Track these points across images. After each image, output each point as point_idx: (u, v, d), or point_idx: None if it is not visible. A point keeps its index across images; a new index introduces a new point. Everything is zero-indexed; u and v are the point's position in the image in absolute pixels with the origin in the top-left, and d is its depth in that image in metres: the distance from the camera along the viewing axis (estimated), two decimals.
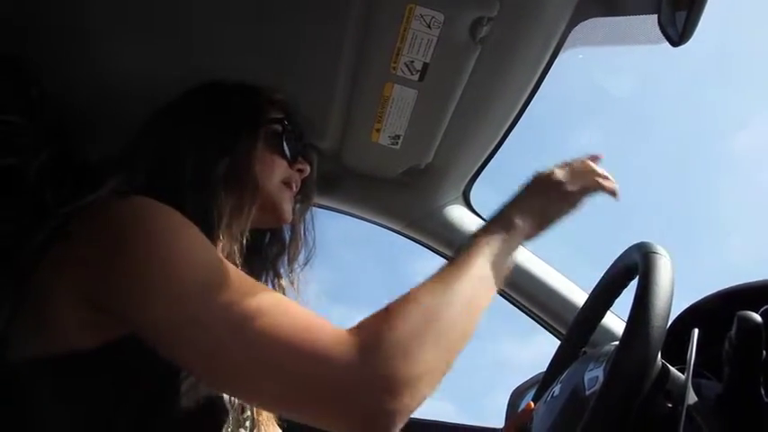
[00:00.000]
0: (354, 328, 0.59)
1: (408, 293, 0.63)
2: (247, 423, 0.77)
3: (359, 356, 0.57)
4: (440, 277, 0.65)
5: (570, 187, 0.77)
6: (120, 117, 0.87)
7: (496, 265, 0.69)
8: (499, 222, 0.73)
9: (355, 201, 1.26)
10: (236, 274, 0.63)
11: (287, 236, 0.96)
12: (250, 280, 0.63)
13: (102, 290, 0.62)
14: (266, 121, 0.86)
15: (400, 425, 0.58)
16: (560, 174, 0.78)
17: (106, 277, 0.61)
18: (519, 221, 0.73)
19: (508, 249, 0.72)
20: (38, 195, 0.80)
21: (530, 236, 0.75)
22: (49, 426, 0.62)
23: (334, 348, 0.57)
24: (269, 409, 0.62)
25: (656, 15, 0.73)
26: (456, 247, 1.27)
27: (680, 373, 0.60)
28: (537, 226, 0.76)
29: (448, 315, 0.62)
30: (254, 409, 0.80)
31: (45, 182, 0.82)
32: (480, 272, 0.67)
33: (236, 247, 0.78)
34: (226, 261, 0.64)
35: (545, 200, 0.76)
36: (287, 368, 0.57)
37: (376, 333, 0.58)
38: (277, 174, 0.86)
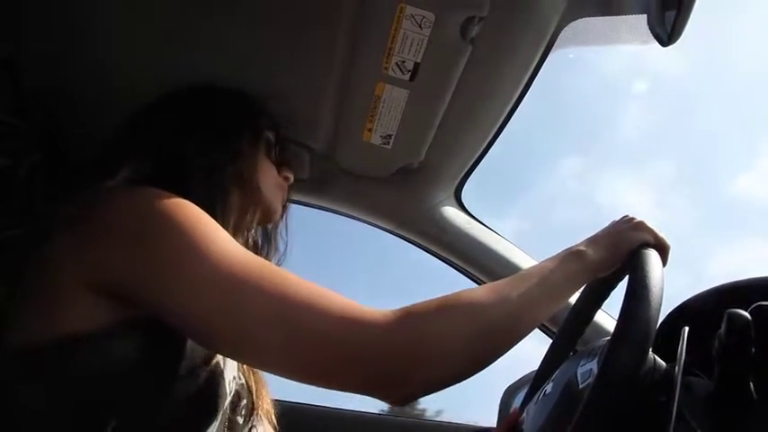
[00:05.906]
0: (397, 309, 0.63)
1: (458, 292, 0.66)
2: (243, 411, 0.77)
3: (392, 326, 0.61)
4: (493, 285, 0.69)
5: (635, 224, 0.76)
6: (115, 117, 0.86)
7: (555, 286, 0.70)
8: (567, 251, 0.75)
9: (347, 200, 1.26)
10: (260, 259, 0.66)
11: (261, 240, 1.00)
12: (274, 266, 0.67)
13: (118, 276, 0.62)
14: (264, 128, 0.91)
15: (417, 397, 0.64)
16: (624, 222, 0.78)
17: (126, 264, 0.62)
18: (586, 250, 0.73)
19: (573, 273, 0.72)
20: (30, 195, 0.80)
21: (601, 266, 0.74)
22: (47, 411, 0.61)
23: (367, 315, 0.61)
24: (296, 377, 0.64)
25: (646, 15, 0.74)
26: (450, 246, 1.29)
27: (670, 370, 0.61)
28: (607, 257, 0.74)
29: (490, 318, 0.65)
30: (252, 398, 0.80)
31: (38, 182, 0.82)
32: (534, 287, 0.68)
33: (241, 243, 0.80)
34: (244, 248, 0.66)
35: (614, 230, 0.76)
36: (324, 335, 0.60)
37: (413, 312, 0.62)
38: (270, 179, 0.91)
